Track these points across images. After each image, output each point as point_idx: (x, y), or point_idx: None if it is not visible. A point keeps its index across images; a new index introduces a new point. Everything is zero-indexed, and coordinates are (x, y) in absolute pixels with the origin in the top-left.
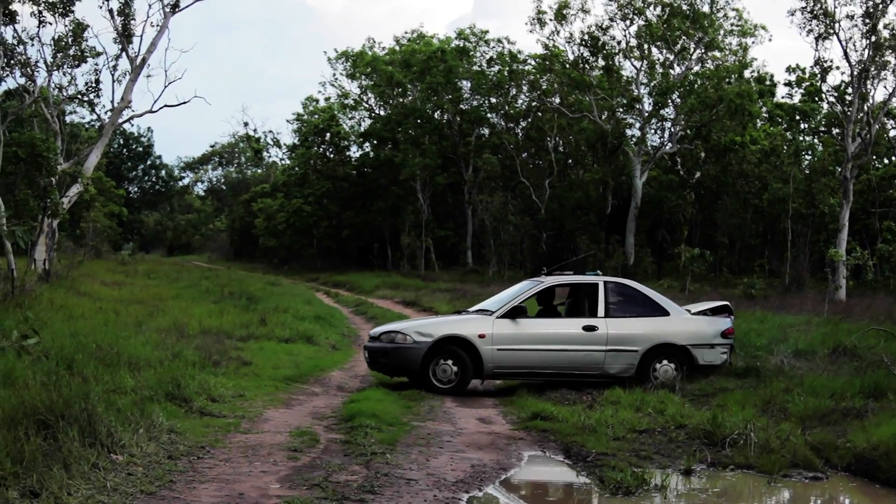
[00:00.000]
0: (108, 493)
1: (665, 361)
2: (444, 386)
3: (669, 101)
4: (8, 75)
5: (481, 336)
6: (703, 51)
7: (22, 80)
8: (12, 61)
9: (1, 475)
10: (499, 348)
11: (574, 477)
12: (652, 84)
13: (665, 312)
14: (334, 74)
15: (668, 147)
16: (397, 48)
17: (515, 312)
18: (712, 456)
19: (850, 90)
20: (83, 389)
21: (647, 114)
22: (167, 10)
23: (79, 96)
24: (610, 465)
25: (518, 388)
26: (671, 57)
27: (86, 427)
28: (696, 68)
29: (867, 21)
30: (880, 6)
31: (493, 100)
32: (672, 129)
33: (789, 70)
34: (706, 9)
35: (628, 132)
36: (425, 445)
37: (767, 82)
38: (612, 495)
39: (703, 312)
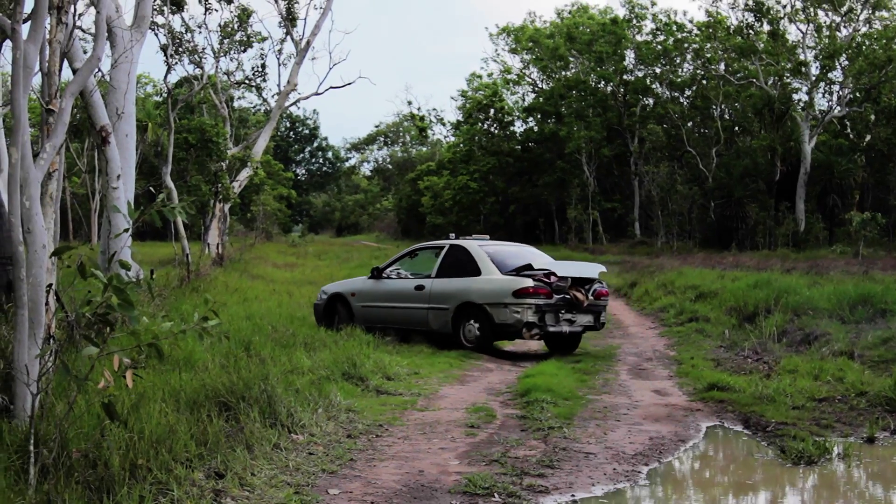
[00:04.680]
0: (291, 473)
1: (472, 321)
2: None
3: (837, 63)
4: (177, 63)
5: (353, 294)
6: (870, 11)
7: (190, 68)
8: (181, 49)
9: (186, 457)
10: (362, 305)
11: (754, 447)
12: (818, 47)
13: (478, 273)
14: (496, 50)
15: (836, 111)
16: (559, 21)
17: (377, 273)
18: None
19: None
20: (262, 371)
21: (814, 78)
22: None
23: (246, 81)
24: (790, 435)
25: (691, 360)
26: (837, 19)
27: (266, 408)
28: (864, 29)
29: None
30: None
31: (658, 70)
32: (840, 93)
33: None
34: None
35: (795, 97)
36: (602, 419)
37: None
38: (794, 465)
39: (524, 273)
